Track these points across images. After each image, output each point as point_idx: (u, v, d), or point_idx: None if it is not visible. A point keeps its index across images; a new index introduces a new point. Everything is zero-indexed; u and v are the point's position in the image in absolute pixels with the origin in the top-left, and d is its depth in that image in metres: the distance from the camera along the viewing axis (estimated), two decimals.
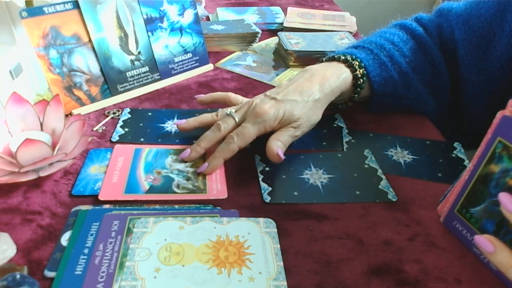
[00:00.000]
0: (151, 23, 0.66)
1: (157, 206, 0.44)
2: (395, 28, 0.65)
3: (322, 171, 0.50)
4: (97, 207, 0.43)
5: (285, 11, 1.01)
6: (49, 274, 0.36)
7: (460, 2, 0.64)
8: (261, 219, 0.42)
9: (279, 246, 0.40)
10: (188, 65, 0.72)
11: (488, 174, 0.37)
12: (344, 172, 0.50)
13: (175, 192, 0.46)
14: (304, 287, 0.37)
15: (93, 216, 0.42)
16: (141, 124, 0.58)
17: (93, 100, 0.61)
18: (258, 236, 0.40)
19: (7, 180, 0.44)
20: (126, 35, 0.63)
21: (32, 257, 0.38)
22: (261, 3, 1.12)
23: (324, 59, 0.60)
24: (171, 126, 0.58)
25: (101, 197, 0.44)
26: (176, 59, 0.70)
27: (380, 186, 0.48)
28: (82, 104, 0.60)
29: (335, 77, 0.55)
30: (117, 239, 0.39)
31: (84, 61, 0.60)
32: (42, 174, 0.45)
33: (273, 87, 0.56)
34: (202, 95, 0.59)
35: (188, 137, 0.55)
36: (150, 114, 0.61)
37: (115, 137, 0.55)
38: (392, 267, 0.39)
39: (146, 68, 0.66)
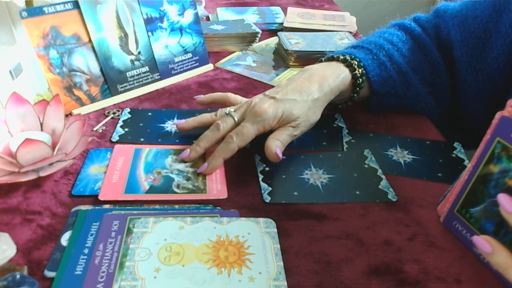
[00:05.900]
0: (151, 23, 0.66)
1: (157, 206, 0.44)
2: (394, 28, 0.65)
3: (322, 171, 0.50)
4: (97, 207, 0.43)
5: (285, 11, 1.01)
6: (49, 274, 0.37)
7: (456, 3, 0.64)
8: (261, 219, 0.42)
9: (279, 246, 0.40)
10: (188, 65, 0.72)
11: (487, 175, 0.37)
12: (344, 172, 0.50)
13: (175, 192, 0.46)
14: (304, 287, 0.37)
15: (93, 216, 0.42)
16: (141, 124, 0.58)
17: (93, 100, 0.61)
18: (258, 236, 0.40)
19: (7, 180, 0.44)
20: (126, 35, 0.63)
21: (32, 257, 0.38)
22: (261, 3, 1.12)
23: (323, 59, 0.60)
24: (171, 126, 0.58)
25: (101, 197, 0.44)
26: (176, 59, 0.70)
27: (380, 186, 0.48)
28: (82, 104, 0.60)
29: (334, 77, 0.55)
30: (117, 239, 0.39)
31: (84, 61, 0.60)
32: (42, 174, 0.45)
33: (273, 87, 0.56)
34: (202, 95, 0.59)
35: (188, 137, 0.55)
36: (150, 114, 0.61)
37: (115, 137, 0.55)
38: (392, 267, 0.39)
39: (146, 68, 0.66)
